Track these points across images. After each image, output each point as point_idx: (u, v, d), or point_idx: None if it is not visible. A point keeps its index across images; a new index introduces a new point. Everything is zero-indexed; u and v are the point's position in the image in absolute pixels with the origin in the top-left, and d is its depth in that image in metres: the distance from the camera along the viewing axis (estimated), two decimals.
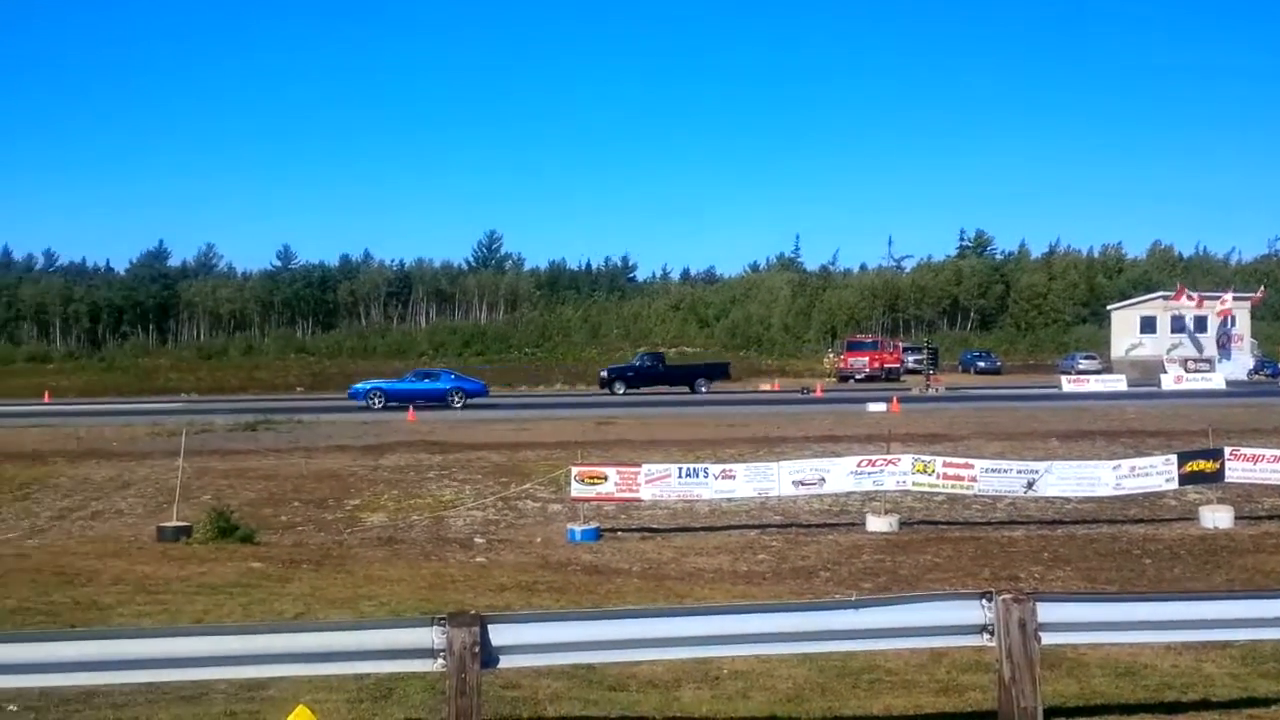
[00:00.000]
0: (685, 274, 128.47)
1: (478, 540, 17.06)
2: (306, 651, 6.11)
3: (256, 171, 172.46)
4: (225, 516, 15.79)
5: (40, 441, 29.94)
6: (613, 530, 18.01)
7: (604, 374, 55.23)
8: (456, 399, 42.90)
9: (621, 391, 51.35)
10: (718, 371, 56.41)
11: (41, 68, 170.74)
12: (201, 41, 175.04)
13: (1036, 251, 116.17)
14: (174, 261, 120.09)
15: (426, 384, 44.39)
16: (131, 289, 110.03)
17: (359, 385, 45.69)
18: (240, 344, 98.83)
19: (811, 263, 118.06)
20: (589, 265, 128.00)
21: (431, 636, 5.94)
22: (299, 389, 63.15)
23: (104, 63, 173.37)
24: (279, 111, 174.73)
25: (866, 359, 63.13)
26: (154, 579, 11.54)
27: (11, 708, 6.63)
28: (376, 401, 42.49)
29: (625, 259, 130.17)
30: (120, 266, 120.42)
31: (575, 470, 18.14)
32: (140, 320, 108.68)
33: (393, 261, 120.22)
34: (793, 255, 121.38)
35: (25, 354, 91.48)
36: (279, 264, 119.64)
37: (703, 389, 51.98)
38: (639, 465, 18.85)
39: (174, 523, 16.06)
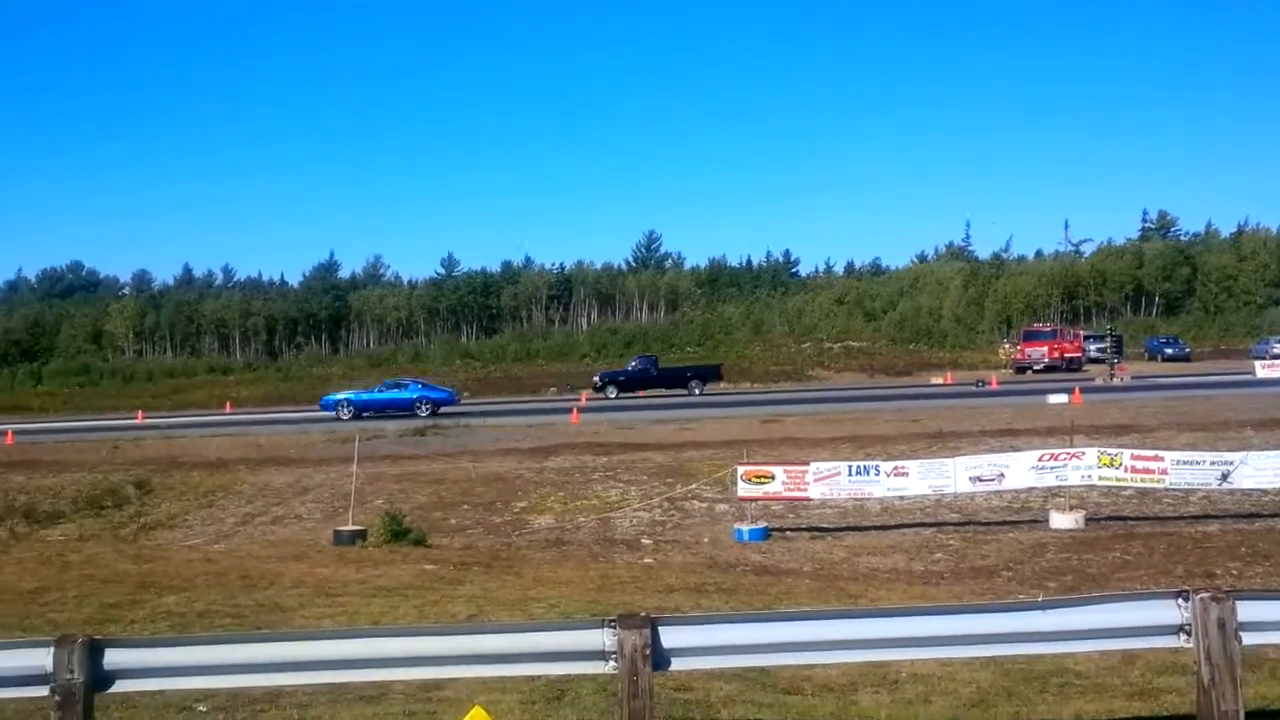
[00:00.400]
0: (850, 267, 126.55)
1: (644, 541, 17.15)
2: (480, 653, 6.20)
3: (421, 183, 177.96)
4: (398, 520, 16.29)
5: (224, 450, 31.56)
6: (781, 530, 17.85)
7: (597, 379, 55.24)
8: (423, 408, 42.80)
9: (614, 395, 51.48)
10: (710, 373, 55.70)
11: (221, 93, 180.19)
12: (368, 59, 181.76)
13: (1224, 231, 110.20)
14: (344, 273, 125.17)
15: (394, 394, 44.70)
16: (305, 301, 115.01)
17: (330, 396, 46.57)
18: (407, 351, 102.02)
19: (983, 250, 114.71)
20: (750, 261, 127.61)
21: (603, 639, 5.94)
22: (465, 393, 64.81)
23: (279, 84, 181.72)
24: (441, 123, 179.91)
25: (1045, 349, 61.05)
26: (332, 582, 11.97)
27: (201, 708, 6.95)
28: (345, 412, 43.01)
29: (787, 254, 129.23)
30: (294, 280, 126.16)
31: (741, 470, 18.05)
32: (314, 331, 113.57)
33: (553, 265, 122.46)
34: (963, 243, 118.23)
35: (206, 366, 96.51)
36: (443, 272, 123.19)
37: (696, 390, 51.93)
38: (807, 463, 18.63)
39: (349, 527, 16.66)
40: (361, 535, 16.19)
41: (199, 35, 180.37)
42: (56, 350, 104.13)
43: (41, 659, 5.89)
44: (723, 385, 56.09)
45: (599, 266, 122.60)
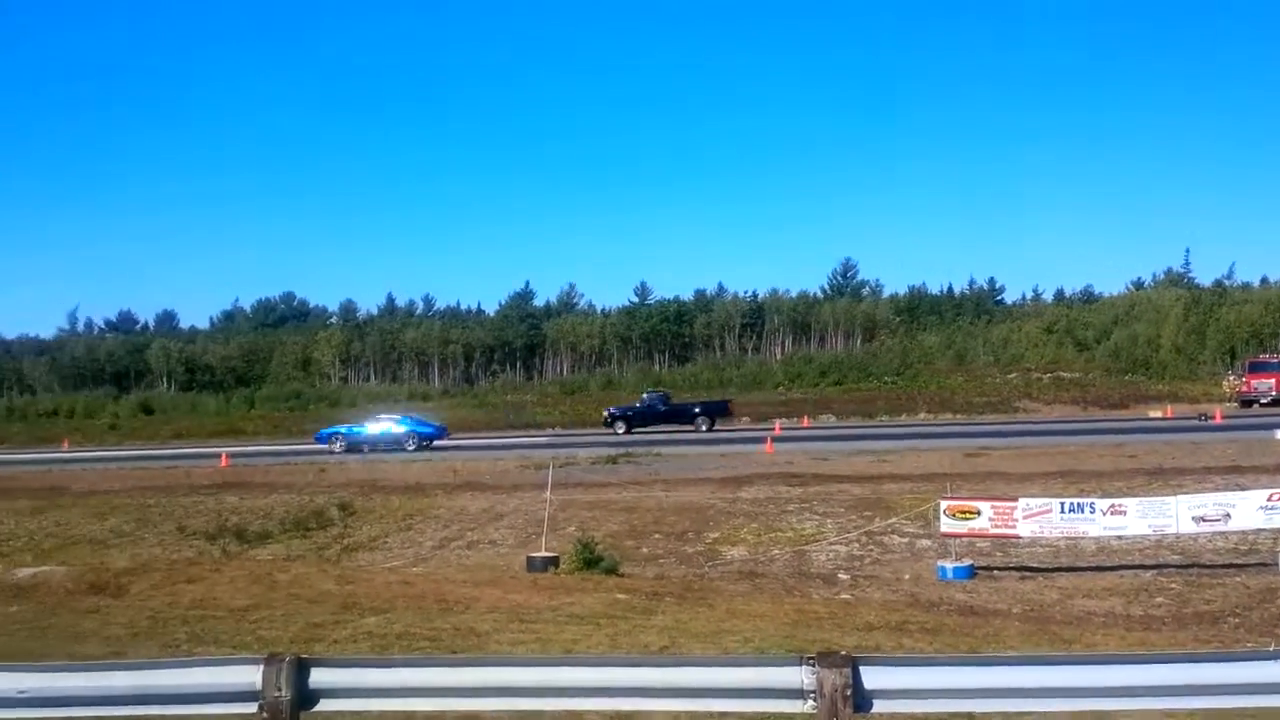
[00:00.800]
0: (1059, 294, 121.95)
1: (842, 576, 16.81)
2: (674, 686, 6.15)
3: (614, 211, 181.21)
4: (590, 548, 16.46)
5: (421, 475, 32.65)
6: (987, 568, 17.22)
7: (606, 414, 54.84)
8: (410, 442, 44.20)
9: (622, 431, 50.65)
10: (718, 409, 54.29)
11: (423, 131, 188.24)
12: (565, 93, 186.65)
13: None
14: (538, 301, 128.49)
15: (382, 432, 45.84)
16: (501, 329, 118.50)
17: (325, 430, 48.50)
18: (600, 379, 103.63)
19: (1204, 277, 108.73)
20: (951, 289, 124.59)
21: (801, 676, 5.80)
22: None
23: (477, 119, 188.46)
24: (634, 154, 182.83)
25: (1273, 381, 57.19)
26: (526, 608, 12.16)
27: None
28: (337, 445, 45.08)
29: (992, 281, 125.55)
30: (490, 308, 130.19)
31: (945, 504, 17.51)
32: (509, 358, 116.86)
33: (746, 293, 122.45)
34: (1182, 270, 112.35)
35: (406, 393, 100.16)
36: (636, 300, 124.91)
37: (703, 427, 50.71)
38: (1015, 499, 17.92)
39: (542, 553, 16.94)
40: (554, 562, 16.43)
41: (400, 74, 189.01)
42: (269, 376, 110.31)
43: (251, 676, 6.14)
44: (741, 420, 56.77)
45: (793, 294, 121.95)
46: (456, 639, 10.31)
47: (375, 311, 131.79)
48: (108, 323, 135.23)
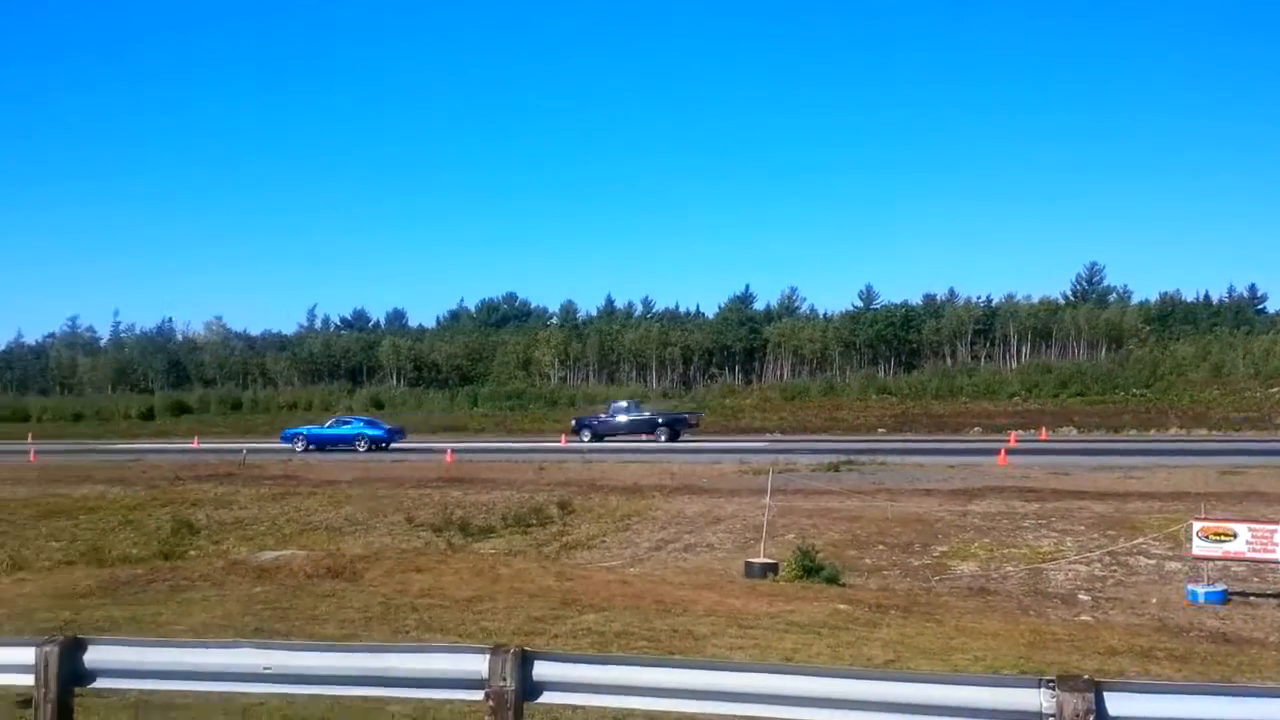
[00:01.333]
0: None
1: (1081, 597, 16.12)
2: (899, 702, 6.04)
3: (839, 214, 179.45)
4: (810, 556, 16.34)
5: (639, 476, 33.19)
6: (1243, 594, 16.20)
7: (573, 423, 56.61)
8: (361, 444, 49.28)
9: (588, 439, 51.72)
10: (678, 421, 54.37)
11: (641, 135, 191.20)
12: (794, 96, 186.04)
13: None
14: (759, 304, 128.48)
15: (339, 430, 51.53)
16: (720, 332, 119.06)
17: (289, 430, 53.79)
18: (821, 384, 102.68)
19: None
20: (1208, 296, 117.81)
21: (1039, 699, 5.60)
22: (880, 430, 64.23)
23: (697, 122, 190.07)
24: (859, 154, 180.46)
25: None
26: (744, 613, 12.19)
27: None
28: (299, 445, 50.12)
29: (1252, 288, 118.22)
30: (710, 310, 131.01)
31: (1197, 525, 16.56)
32: (727, 362, 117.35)
33: (979, 298, 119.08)
34: None
35: (624, 394, 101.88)
36: (860, 304, 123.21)
37: (661, 437, 51.34)
38: (1276, 522, 16.78)
39: (761, 559, 16.92)
40: (773, 569, 16.39)
41: (624, 75, 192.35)
42: (491, 375, 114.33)
43: (478, 665, 6.39)
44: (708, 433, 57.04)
45: (1033, 300, 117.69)
46: (674, 640, 10.44)
47: (595, 312, 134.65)
48: (343, 320, 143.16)
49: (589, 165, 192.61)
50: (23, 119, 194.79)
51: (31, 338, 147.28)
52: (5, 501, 31.50)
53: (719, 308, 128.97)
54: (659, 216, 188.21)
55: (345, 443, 50.06)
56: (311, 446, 50.19)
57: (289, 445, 51.04)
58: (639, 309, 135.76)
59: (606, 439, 52.05)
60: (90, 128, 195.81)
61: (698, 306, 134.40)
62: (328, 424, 54.15)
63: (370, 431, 51.35)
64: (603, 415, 56.31)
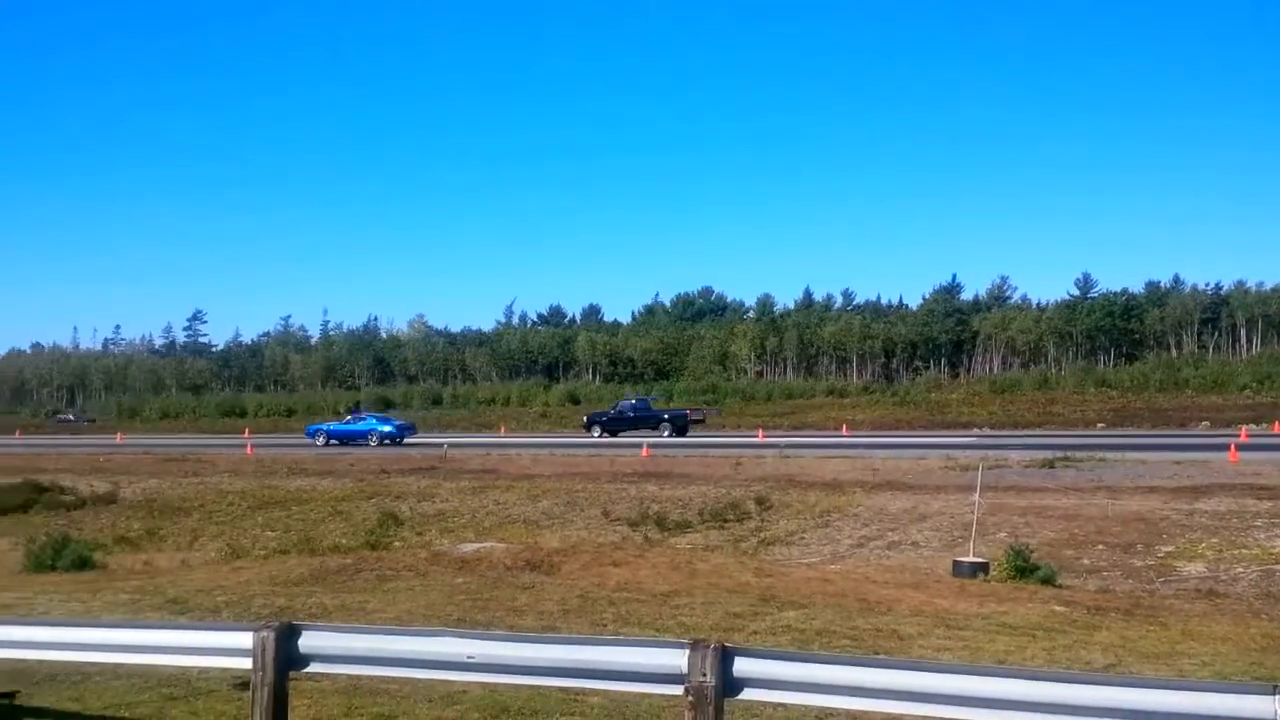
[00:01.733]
0: None
1: None
2: (1120, 708, 5.79)
3: (1053, 199, 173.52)
4: (1024, 555, 15.83)
5: (840, 471, 32.82)
6: None
7: (585, 418, 62.11)
8: (372, 439, 54.58)
9: (598, 434, 57.37)
10: (680, 417, 58.28)
11: (834, 124, 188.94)
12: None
13: None
14: (966, 295, 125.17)
15: (353, 425, 57.62)
16: (925, 324, 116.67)
17: (312, 425, 60.92)
18: (1034, 377, 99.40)
19: None
20: None
21: (1274, 707, 5.28)
22: (1099, 424, 61.75)
23: (895, 109, 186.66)
24: (1066, 136, 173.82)
25: None
26: (952, 614, 11.90)
27: None
28: (321, 439, 56.21)
29: None
30: (913, 302, 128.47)
31: None
32: (933, 354, 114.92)
33: (1207, 285, 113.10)
34: None
35: (824, 388, 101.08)
36: (1076, 293, 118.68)
37: (665, 432, 55.84)
38: None
39: (970, 558, 16.48)
40: (983, 568, 15.95)
41: (826, 70, 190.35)
42: (686, 370, 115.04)
43: (677, 660, 6.43)
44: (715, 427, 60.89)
45: (1266, 287, 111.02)
46: (878, 640, 10.29)
47: (792, 305, 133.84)
48: (540, 316, 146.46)
49: (785, 156, 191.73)
50: (239, 136, 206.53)
51: (248, 337, 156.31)
52: (224, 493, 33.50)
53: (923, 299, 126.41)
54: (860, 206, 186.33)
55: (360, 437, 55.61)
56: (333, 441, 55.87)
57: (311, 439, 57.34)
58: (839, 301, 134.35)
59: (620, 434, 56.96)
60: (301, 140, 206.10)
61: (901, 298, 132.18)
62: (345, 420, 60.69)
63: (381, 427, 57.08)
64: (611, 411, 61.53)
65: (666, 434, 55.50)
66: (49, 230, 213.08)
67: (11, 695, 7.37)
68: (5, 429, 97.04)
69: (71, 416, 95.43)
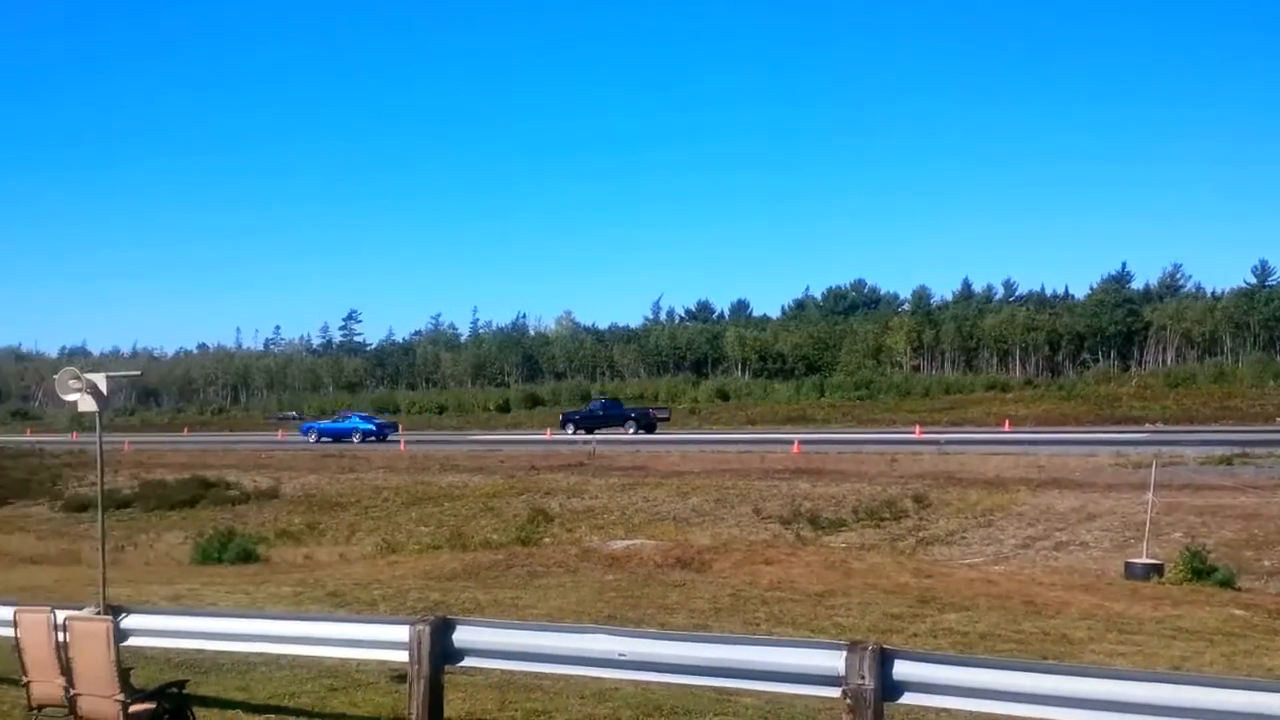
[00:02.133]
0: None
1: None
2: None
3: (1228, 181, 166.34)
4: (1201, 557, 15.27)
5: (1002, 468, 32.04)
6: None
7: (562, 416, 68.38)
8: (355, 436, 60.56)
9: (572, 432, 61.94)
10: (643, 415, 63.24)
11: (987, 111, 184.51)
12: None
13: None
14: (1137, 284, 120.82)
15: (338, 424, 64.35)
16: (1093, 315, 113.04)
17: (305, 424, 69.19)
18: (1210, 370, 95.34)
19: None
20: None
21: None
22: (1274, 421, 58.94)
23: (1057, 97, 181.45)
24: (1248, 114, 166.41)
25: None
26: (1125, 618, 11.52)
27: None
28: (312, 437, 62.56)
29: None
30: (1080, 292, 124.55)
31: None
32: (1101, 346, 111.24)
33: None
34: None
35: (984, 382, 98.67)
36: (1254, 281, 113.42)
37: (630, 430, 60.11)
38: None
39: (1143, 560, 15.95)
40: (1157, 570, 15.41)
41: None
42: (838, 365, 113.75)
43: (834, 661, 6.35)
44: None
45: None
46: (1045, 644, 10.01)
47: (950, 297, 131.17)
48: (688, 311, 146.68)
49: (941, 144, 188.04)
50: (397, 144, 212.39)
51: (401, 336, 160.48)
52: (379, 489, 34.48)
53: (1090, 288, 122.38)
54: (1020, 195, 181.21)
55: (346, 434, 61.45)
56: (325, 438, 61.56)
57: (305, 436, 63.75)
58: (999, 292, 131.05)
59: (594, 431, 60.49)
60: (453, 142, 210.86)
61: (1066, 288, 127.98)
62: (333, 420, 67.56)
63: (363, 425, 62.97)
64: (584, 411, 67.96)
65: (631, 431, 60.03)
66: (216, 237, 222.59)
67: (183, 684, 7.74)
68: (173, 427, 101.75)
69: (293, 414, 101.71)
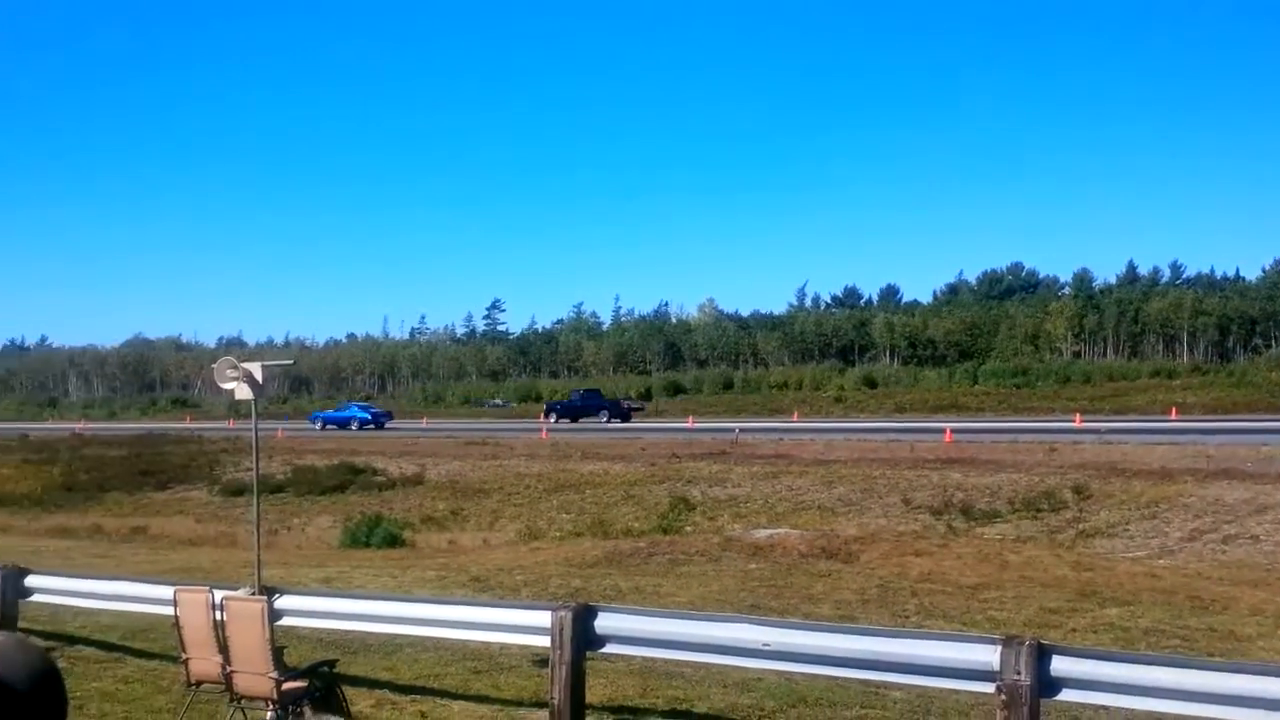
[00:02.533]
0: None
1: None
2: None
3: None
4: None
5: (1168, 459, 30.92)
6: None
7: (545, 405, 75.56)
8: (354, 424, 66.48)
9: (554, 420, 67.47)
10: (613, 405, 69.92)
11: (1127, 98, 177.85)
12: None
13: None
14: None
15: (340, 413, 70.68)
16: (1267, 298, 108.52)
17: (314, 414, 75.39)
18: None
19: None
20: None
21: None
22: None
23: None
24: None
25: None
26: None
27: None
28: (319, 425, 68.51)
29: None
30: (1252, 274, 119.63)
31: None
32: (1275, 331, 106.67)
33: None
34: None
35: (1149, 369, 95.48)
36: None
37: (603, 418, 66.89)
38: None
39: None
40: None
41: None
42: (994, 350, 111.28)
43: (988, 656, 6.24)
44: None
45: None
46: (1212, 641, 9.66)
47: (1113, 281, 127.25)
48: (834, 298, 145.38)
49: (1103, 121, 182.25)
50: (532, 139, 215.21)
51: (543, 324, 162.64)
52: (521, 475, 35.01)
53: (1263, 270, 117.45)
54: (1187, 173, 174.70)
55: (345, 422, 67.29)
56: (329, 425, 67.22)
57: (312, 425, 69.35)
58: (1166, 274, 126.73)
59: (575, 420, 67.20)
60: (592, 133, 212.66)
61: (1237, 270, 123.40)
62: (336, 409, 74.47)
63: (360, 414, 69.54)
64: (565, 401, 73.88)
65: (605, 419, 66.58)
66: (365, 231, 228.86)
67: (333, 663, 8.01)
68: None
69: (499, 402, 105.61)
